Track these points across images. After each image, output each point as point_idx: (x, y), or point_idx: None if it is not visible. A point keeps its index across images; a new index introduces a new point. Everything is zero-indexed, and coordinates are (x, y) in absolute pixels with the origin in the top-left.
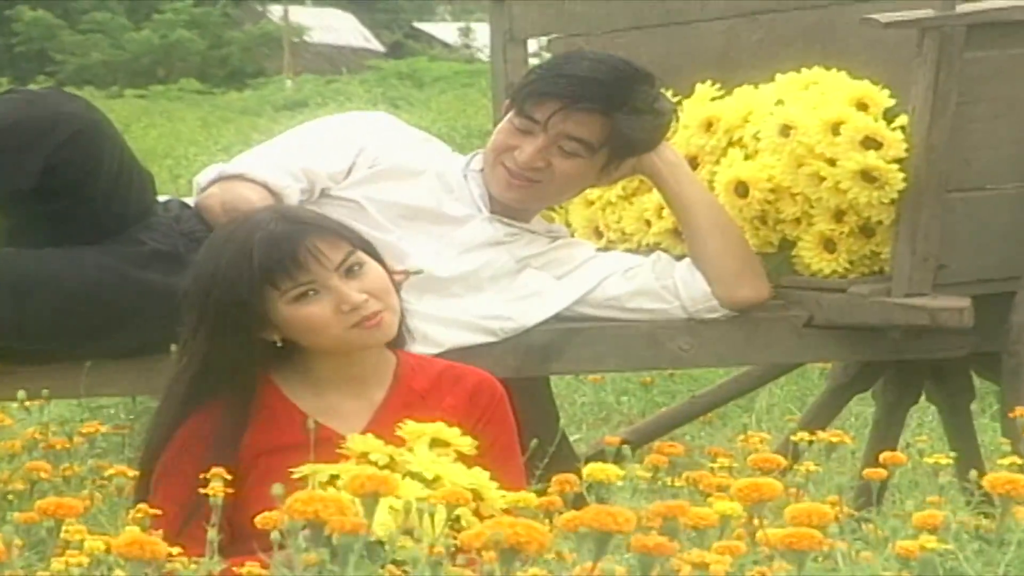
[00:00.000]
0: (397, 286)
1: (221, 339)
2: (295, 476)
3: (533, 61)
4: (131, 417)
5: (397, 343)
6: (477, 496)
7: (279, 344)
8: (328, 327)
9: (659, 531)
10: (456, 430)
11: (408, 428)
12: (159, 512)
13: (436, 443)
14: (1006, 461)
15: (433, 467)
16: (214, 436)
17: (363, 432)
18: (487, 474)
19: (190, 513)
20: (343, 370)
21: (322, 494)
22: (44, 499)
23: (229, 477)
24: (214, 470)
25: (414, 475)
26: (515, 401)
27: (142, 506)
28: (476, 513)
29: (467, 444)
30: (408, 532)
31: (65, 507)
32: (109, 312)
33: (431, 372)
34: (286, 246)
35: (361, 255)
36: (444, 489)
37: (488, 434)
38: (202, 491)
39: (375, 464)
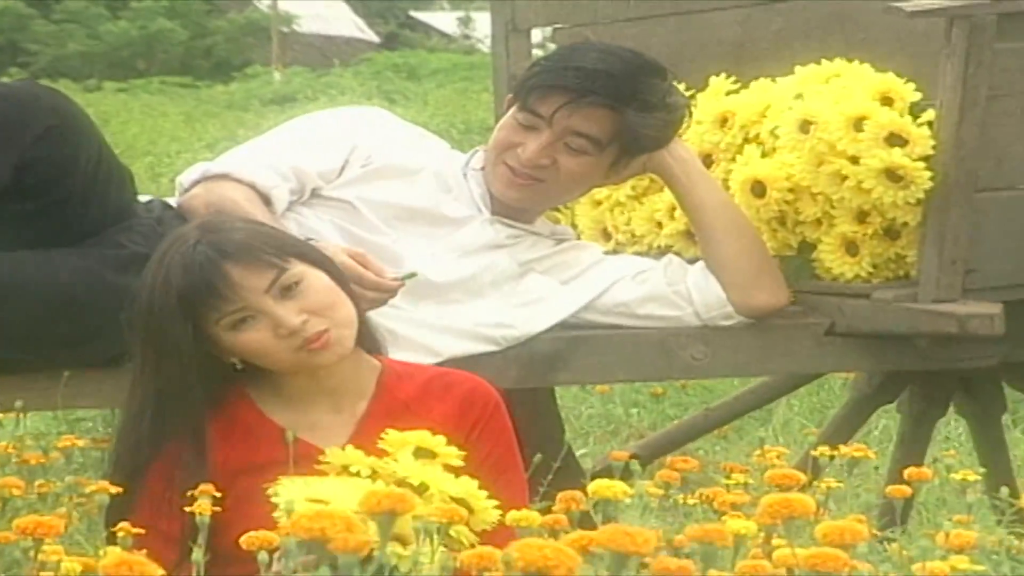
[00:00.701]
0: (357, 294)
1: (166, 370)
2: (270, 494)
3: (537, 52)
4: (110, 430)
5: (374, 349)
6: (466, 507)
7: (239, 367)
8: (272, 352)
9: (688, 555)
10: (442, 439)
11: (390, 438)
12: (146, 541)
13: (421, 453)
14: None
15: (419, 474)
16: (184, 464)
17: (345, 445)
18: (476, 483)
19: (184, 546)
20: (316, 384)
21: (330, 510)
22: (21, 517)
23: (217, 495)
24: (202, 487)
25: (400, 483)
26: (517, 413)
27: (125, 524)
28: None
29: (453, 455)
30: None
31: (44, 526)
32: (86, 319)
33: (419, 380)
34: (203, 274)
35: (297, 271)
36: (436, 504)
37: (483, 446)
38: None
39: (357, 477)
